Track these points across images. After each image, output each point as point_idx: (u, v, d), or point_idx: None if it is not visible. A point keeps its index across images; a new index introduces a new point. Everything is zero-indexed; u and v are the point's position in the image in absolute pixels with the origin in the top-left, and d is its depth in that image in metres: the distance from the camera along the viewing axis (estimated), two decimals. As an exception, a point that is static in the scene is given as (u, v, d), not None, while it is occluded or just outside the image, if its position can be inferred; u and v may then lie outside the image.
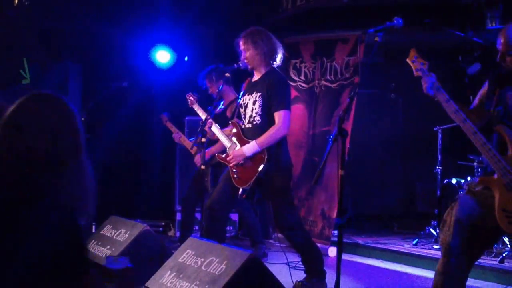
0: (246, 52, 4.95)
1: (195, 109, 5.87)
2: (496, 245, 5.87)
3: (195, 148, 6.26)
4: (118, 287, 2.25)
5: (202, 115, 5.67)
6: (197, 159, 6.21)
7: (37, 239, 1.79)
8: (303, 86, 7.62)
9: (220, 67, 6.30)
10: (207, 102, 5.90)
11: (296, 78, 7.66)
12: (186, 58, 7.38)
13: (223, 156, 5.02)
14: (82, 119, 6.89)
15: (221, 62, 6.25)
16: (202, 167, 4.95)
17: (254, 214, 6.64)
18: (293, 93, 7.29)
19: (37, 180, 1.88)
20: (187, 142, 6.62)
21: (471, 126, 3.28)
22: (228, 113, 6.07)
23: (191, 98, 5.96)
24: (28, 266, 1.78)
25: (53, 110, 1.96)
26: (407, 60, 3.52)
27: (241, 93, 5.13)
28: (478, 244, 3.40)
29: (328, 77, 7.33)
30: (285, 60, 5.27)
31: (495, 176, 3.27)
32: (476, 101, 3.62)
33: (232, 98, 6.20)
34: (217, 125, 5.29)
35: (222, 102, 6.30)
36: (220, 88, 5.49)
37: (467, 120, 3.29)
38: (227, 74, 5.29)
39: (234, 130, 5.03)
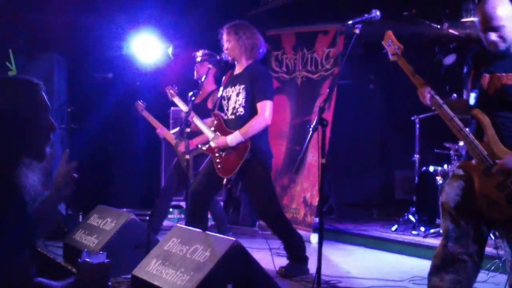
0: (228, 43, 5.05)
1: (176, 101, 5.90)
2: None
3: (176, 140, 6.34)
4: (88, 281, 2.18)
5: (183, 107, 5.73)
6: (181, 147, 6.28)
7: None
8: (284, 77, 7.73)
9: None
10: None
11: (278, 69, 7.77)
12: (170, 50, 7.41)
13: (206, 147, 5.12)
14: (69, 110, 6.92)
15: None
16: (187, 157, 5.02)
17: (219, 204, 6.75)
18: (275, 84, 7.39)
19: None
20: (169, 136, 6.58)
21: (447, 112, 3.27)
22: (210, 104, 6.13)
23: (171, 91, 5.99)
24: None
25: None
26: (383, 43, 3.52)
27: (223, 86, 5.22)
28: (475, 230, 3.30)
29: (309, 68, 7.44)
30: (267, 52, 5.37)
31: (474, 161, 3.25)
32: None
33: (212, 88, 6.26)
34: (198, 117, 5.34)
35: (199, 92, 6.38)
36: (203, 79, 5.56)
37: (442, 105, 3.29)
38: (209, 66, 5.37)
39: (216, 121, 5.13)
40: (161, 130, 6.65)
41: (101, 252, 2.27)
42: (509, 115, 3.24)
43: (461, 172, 3.37)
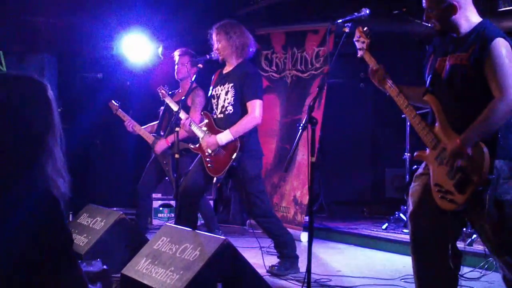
0: (219, 43, 5.06)
1: (167, 101, 5.91)
2: (464, 229, 5.95)
3: (151, 137, 6.33)
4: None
5: (174, 107, 5.73)
6: (158, 147, 6.25)
7: (15, 221, 1.75)
8: (274, 76, 7.74)
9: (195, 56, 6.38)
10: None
11: (267, 68, 7.78)
12: (160, 50, 7.44)
13: (197, 146, 5.12)
14: (59, 110, 6.90)
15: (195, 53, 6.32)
16: (176, 155, 5.02)
17: (209, 202, 6.76)
18: (265, 83, 7.41)
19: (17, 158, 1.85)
20: (142, 132, 6.47)
21: (403, 99, 3.25)
22: (189, 101, 6.12)
23: (163, 91, 6.00)
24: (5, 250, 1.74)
25: (25, 91, 1.94)
26: (354, 40, 3.50)
27: (212, 85, 5.22)
28: (441, 228, 3.21)
29: (299, 67, 7.45)
30: (257, 51, 5.38)
31: (428, 150, 3.19)
32: None
33: (192, 87, 6.25)
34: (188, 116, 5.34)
35: (178, 90, 6.40)
36: (193, 78, 5.54)
37: (400, 94, 3.27)
38: (200, 65, 5.36)
39: (206, 120, 5.13)
40: (129, 122, 6.46)
41: (94, 260, 2.31)
42: (458, 97, 3.14)
43: (420, 171, 3.33)
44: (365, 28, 3.51)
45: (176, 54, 6.33)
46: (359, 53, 3.49)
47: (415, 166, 6.76)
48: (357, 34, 3.50)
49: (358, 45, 3.49)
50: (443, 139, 3.10)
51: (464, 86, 3.11)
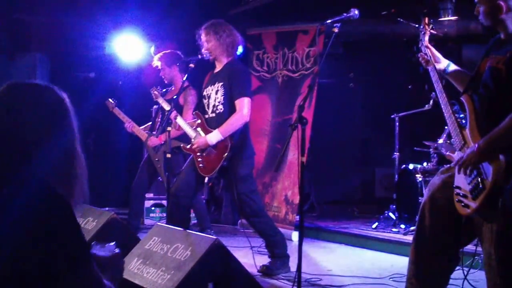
0: (208, 43, 5.07)
1: (160, 102, 5.94)
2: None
3: (145, 134, 6.37)
4: (109, 274, 2.16)
5: (167, 107, 5.77)
6: (150, 142, 6.31)
7: (10, 217, 1.72)
8: (266, 76, 7.78)
9: (178, 55, 6.42)
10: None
11: (259, 68, 7.81)
12: (152, 49, 7.44)
13: (188, 146, 5.14)
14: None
15: (186, 53, 6.34)
16: (168, 155, 5.05)
17: (202, 201, 6.78)
18: (257, 83, 7.45)
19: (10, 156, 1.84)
20: (136, 129, 6.51)
21: (445, 97, 3.20)
22: (181, 100, 6.17)
23: (156, 92, 6.04)
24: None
25: (30, 98, 1.90)
26: (420, 29, 3.56)
27: (204, 86, 5.25)
28: (448, 228, 3.19)
29: (289, 67, 7.49)
30: (248, 51, 5.40)
31: (456, 152, 3.12)
32: None
33: (184, 85, 6.29)
34: (180, 116, 5.36)
35: (171, 88, 6.45)
36: (185, 77, 5.55)
37: (443, 91, 3.21)
38: (191, 65, 5.36)
39: (199, 121, 5.15)
40: (129, 124, 6.55)
41: (108, 244, 2.26)
42: (490, 101, 3.03)
43: (446, 167, 3.31)
44: (431, 20, 3.57)
45: (156, 60, 6.41)
46: (421, 43, 3.52)
47: (404, 166, 6.87)
48: (422, 23, 3.55)
49: (420, 35, 3.52)
50: (468, 142, 3.02)
51: (497, 90, 3.01)
